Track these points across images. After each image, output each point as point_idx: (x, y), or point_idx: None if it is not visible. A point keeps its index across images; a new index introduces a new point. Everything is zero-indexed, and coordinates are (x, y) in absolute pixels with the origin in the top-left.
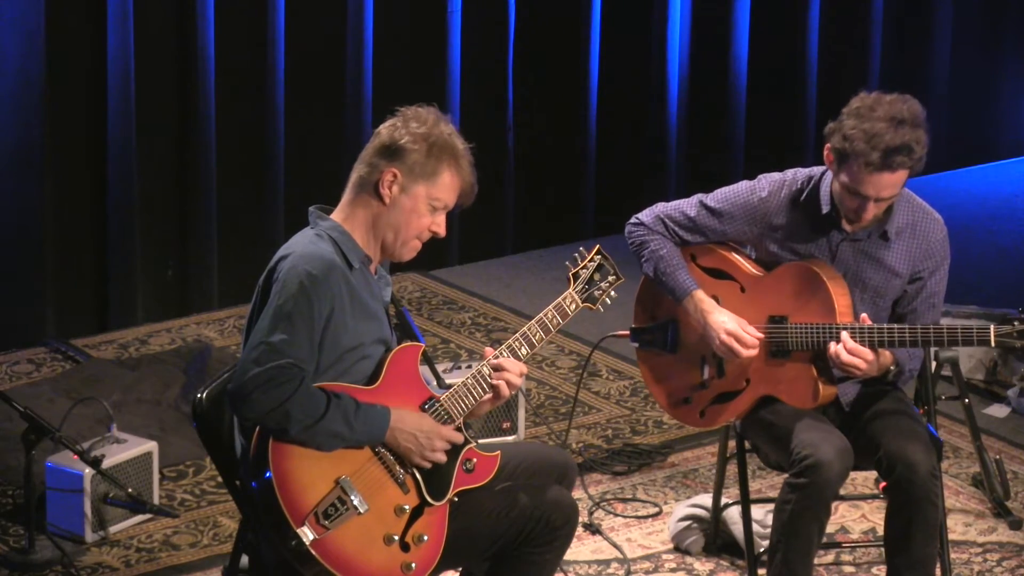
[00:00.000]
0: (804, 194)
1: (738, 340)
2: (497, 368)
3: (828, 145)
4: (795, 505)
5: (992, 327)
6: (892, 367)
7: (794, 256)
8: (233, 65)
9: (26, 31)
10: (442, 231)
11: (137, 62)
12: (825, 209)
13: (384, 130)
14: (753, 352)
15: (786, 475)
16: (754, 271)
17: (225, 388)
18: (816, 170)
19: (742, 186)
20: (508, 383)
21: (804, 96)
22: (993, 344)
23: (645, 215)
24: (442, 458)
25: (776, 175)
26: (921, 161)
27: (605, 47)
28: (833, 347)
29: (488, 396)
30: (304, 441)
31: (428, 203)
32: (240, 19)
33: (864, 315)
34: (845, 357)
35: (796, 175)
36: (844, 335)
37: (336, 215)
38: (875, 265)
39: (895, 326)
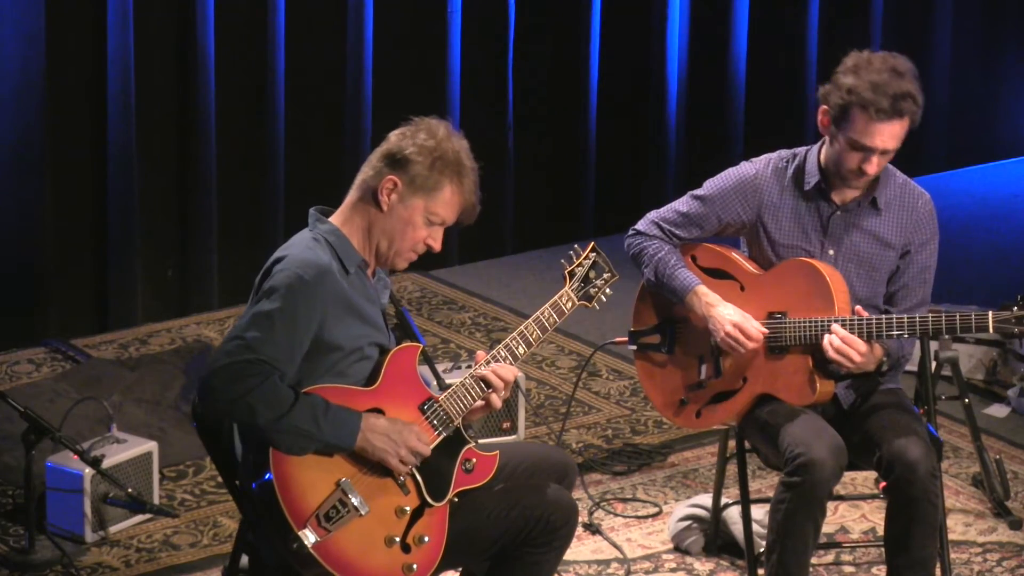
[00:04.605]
0: (790, 171)
1: (743, 332)
2: (486, 382)
3: (824, 108)
4: (789, 504)
5: (990, 313)
6: (884, 358)
7: (787, 236)
8: (233, 65)
9: (26, 32)
10: (437, 246)
11: (137, 62)
12: (812, 182)
13: (393, 137)
14: (756, 345)
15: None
16: (753, 270)
17: None
18: (799, 149)
19: (728, 171)
20: (496, 391)
21: (803, 96)
22: (992, 330)
23: (640, 224)
24: (415, 460)
25: (759, 157)
26: (920, 113)
27: (605, 47)
28: (826, 339)
29: (481, 403)
30: (272, 438)
31: (425, 217)
32: (240, 19)
33: (859, 307)
34: (837, 343)
35: (780, 153)
36: (835, 326)
37: (335, 217)
38: (867, 236)
39: (892, 316)
